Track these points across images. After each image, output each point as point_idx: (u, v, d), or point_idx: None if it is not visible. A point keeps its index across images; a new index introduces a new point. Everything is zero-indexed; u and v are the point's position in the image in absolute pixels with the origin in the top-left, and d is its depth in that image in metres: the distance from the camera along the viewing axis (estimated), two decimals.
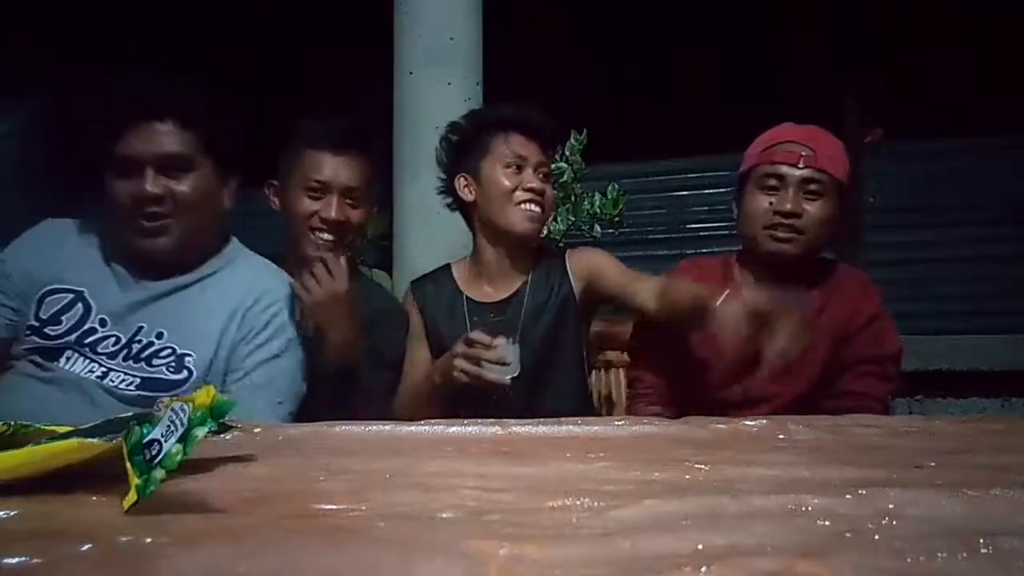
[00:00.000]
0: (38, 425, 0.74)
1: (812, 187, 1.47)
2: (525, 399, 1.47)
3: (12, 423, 0.72)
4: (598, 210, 2.63)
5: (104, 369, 1.29)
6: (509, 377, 1.40)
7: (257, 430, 0.94)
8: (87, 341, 1.30)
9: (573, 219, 2.62)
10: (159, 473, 0.58)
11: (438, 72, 2.56)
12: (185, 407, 0.63)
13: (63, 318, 1.31)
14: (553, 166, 2.71)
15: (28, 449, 0.66)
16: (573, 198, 2.62)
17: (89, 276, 1.35)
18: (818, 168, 1.47)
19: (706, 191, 3.67)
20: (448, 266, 1.73)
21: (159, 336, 1.32)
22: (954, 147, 3.50)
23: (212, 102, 1.38)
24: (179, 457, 0.59)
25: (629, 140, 3.36)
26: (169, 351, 1.32)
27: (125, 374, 1.29)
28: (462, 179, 1.64)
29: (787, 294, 1.34)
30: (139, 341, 1.31)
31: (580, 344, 1.64)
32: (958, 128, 3.36)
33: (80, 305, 1.32)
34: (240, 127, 1.43)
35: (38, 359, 1.30)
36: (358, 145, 1.57)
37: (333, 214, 1.52)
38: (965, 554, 0.47)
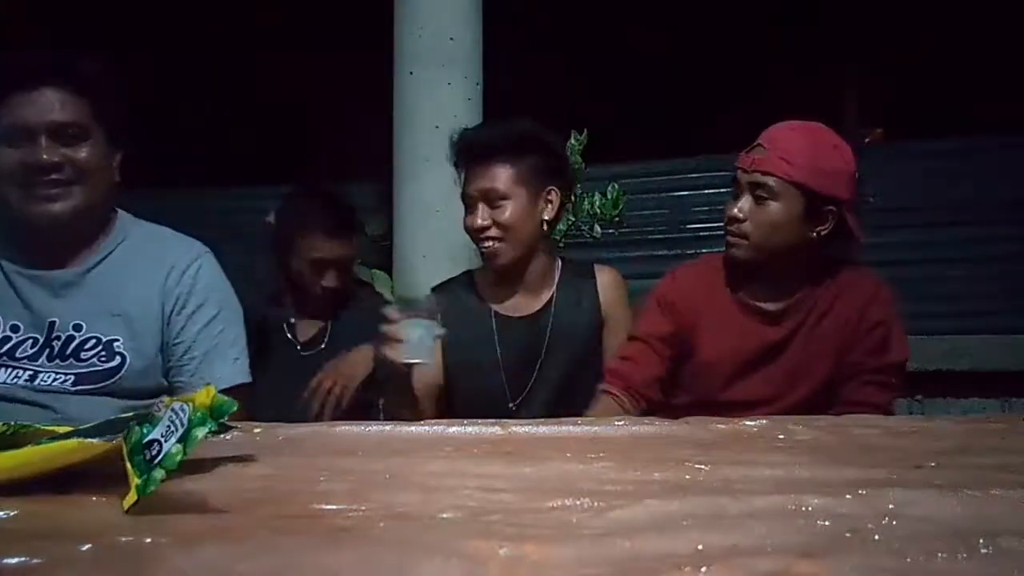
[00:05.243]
0: (38, 425, 0.74)
1: (759, 192, 1.40)
2: (551, 415, 1.39)
3: (12, 423, 0.72)
4: (598, 210, 2.63)
5: (30, 372, 1.24)
6: (415, 361, 1.32)
7: (257, 430, 0.94)
8: (3, 350, 1.24)
9: (573, 219, 2.62)
10: (159, 473, 0.59)
11: (438, 72, 2.56)
12: (185, 407, 0.63)
13: None
14: None
15: (28, 449, 0.66)
16: (573, 198, 2.62)
17: None
18: (764, 171, 1.40)
19: (706, 191, 3.65)
20: (471, 273, 1.65)
21: (78, 328, 1.26)
22: (954, 147, 3.50)
23: (102, 70, 1.31)
24: (179, 457, 0.60)
25: (629, 140, 3.36)
26: (94, 341, 1.26)
27: (56, 373, 1.24)
28: None
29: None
30: (57, 338, 1.25)
31: (602, 361, 1.59)
32: (958, 128, 3.36)
33: None
34: (127, 97, 1.35)
35: None
36: (350, 226, 1.81)
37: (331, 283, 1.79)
38: (965, 554, 0.47)
